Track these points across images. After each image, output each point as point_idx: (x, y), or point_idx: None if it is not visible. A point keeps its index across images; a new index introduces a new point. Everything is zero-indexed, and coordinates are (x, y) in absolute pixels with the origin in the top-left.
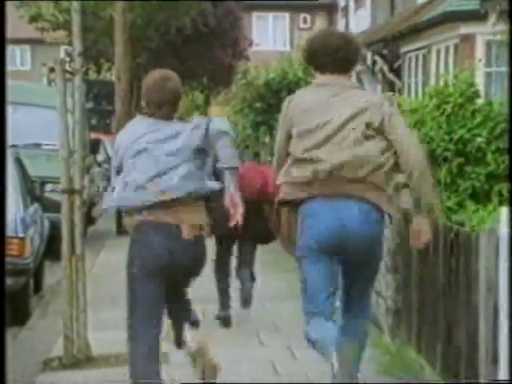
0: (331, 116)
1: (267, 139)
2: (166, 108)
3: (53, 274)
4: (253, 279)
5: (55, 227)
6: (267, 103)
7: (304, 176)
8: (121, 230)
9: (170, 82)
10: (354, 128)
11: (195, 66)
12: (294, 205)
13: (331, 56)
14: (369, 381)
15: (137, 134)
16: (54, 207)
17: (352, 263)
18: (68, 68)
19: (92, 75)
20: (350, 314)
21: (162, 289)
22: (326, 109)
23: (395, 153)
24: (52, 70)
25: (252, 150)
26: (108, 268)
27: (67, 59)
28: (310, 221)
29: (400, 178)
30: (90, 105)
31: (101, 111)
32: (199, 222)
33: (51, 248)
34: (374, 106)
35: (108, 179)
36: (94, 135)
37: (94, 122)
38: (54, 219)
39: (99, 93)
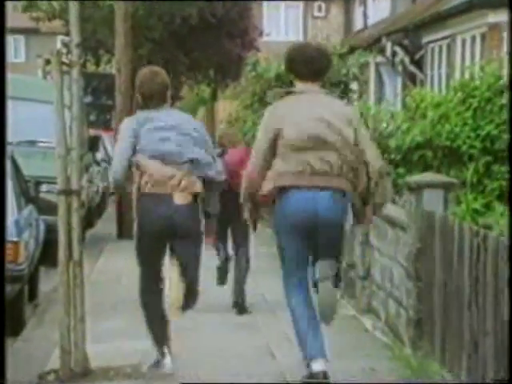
0: (311, 118)
1: None
2: (155, 98)
3: (49, 281)
4: (247, 261)
5: (51, 230)
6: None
7: (291, 170)
8: (122, 234)
9: (158, 77)
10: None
11: (201, 57)
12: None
13: (307, 66)
14: (375, 381)
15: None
16: (50, 209)
17: (322, 239)
18: (65, 60)
19: (90, 67)
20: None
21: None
22: (308, 112)
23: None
24: (48, 62)
25: None
26: (108, 274)
27: (64, 50)
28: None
29: (383, 167)
30: (88, 99)
31: (100, 106)
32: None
33: (47, 253)
34: (346, 115)
35: (108, 179)
36: (92, 132)
37: (92, 117)
38: (50, 222)
39: (98, 86)
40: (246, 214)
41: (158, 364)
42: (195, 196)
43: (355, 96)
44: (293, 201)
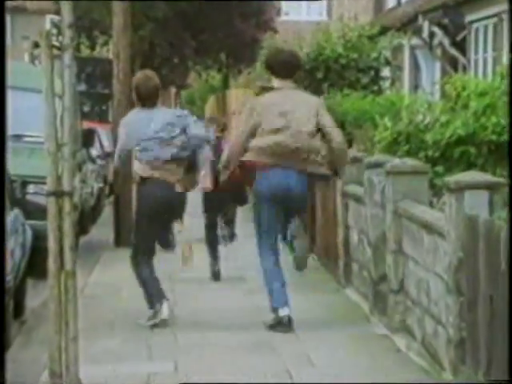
0: (286, 110)
1: None
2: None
3: (37, 295)
4: (233, 236)
5: (40, 237)
6: (299, 85)
7: (267, 149)
8: (120, 240)
9: (151, 81)
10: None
11: (211, 39)
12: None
13: (284, 67)
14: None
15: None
16: (39, 213)
17: (291, 207)
18: (55, 42)
19: (84, 51)
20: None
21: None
22: (283, 105)
23: (324, 136)
24: (36, 44)
25: None
26: (104, 287)
27: (54, 31)
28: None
29: (342, 143)
30: (82, 87)
31: (95, 95)
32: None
33: (35, 263)
34: (313, 104)
35: (105, 178)
36: (86, 125)
37: (86, 108)
38: (38, 227)
39: (93, 73)
40: (222, 177)
41: (155, 315)
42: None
43: (387, 84)
44: (271, 176)
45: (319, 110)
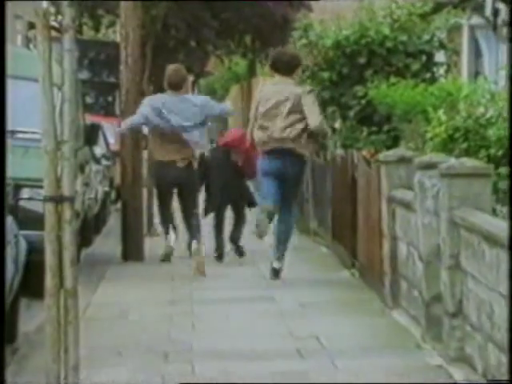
0: (278, 100)
1: (337, 124)
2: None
3: (32, 317)
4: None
5: (35, 250)
6: (338, 73)
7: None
8: (128, 254)
9: (181, 71)
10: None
11: (234, 19)
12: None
13: (285, 66)
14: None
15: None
16: (34, 222)
17: (288, 181)
18: (54, 23)
19: (88, 33)
20: (284, 210)
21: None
22: (278, 96)
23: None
24: (31, 25)
25: None
26: (110, 308)
27: (52, 10)
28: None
29: (319, 127)
30: (84, 75)
31: (100, 84)
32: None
33: (29, 280)
34: (297, 95)
35: (111, 181)
36: (90, 119)
37: (90, 99)
38: (33, 239)
39: (98, 58)
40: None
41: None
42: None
43: (441, 71)
44: (271, 158)
45: (302, 99)
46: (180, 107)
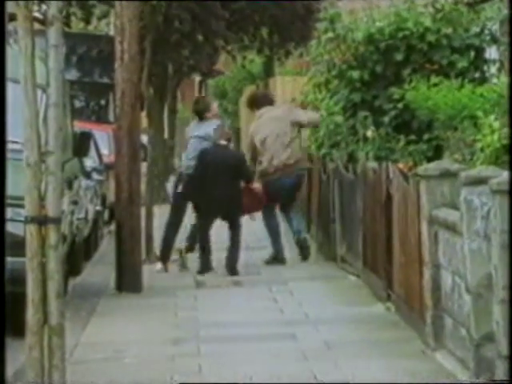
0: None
1: (370, 132)
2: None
3: (12, 359)
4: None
5: (15, 280)
6: (370, 71)
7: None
8: (123, 284)
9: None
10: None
11: (248, 10)
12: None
13: (262, 101)
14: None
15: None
16: (14, 247)
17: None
18: (37, 14)
19: (77, 25)
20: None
21: None
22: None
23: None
24: (11, 17)
25: (345, 149)
26: (102, 348)
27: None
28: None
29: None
30: (73, 75)
31: (91, 86)
32: None
33: (8, 315)
34: (286, 115)
35: (103, 199)
36: (80, 126)
37: (80, 103)
38: (13, 266)
39: (89, 55)
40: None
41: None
42: None
43: (493, 69)
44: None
45: (292, 114)
46: None
